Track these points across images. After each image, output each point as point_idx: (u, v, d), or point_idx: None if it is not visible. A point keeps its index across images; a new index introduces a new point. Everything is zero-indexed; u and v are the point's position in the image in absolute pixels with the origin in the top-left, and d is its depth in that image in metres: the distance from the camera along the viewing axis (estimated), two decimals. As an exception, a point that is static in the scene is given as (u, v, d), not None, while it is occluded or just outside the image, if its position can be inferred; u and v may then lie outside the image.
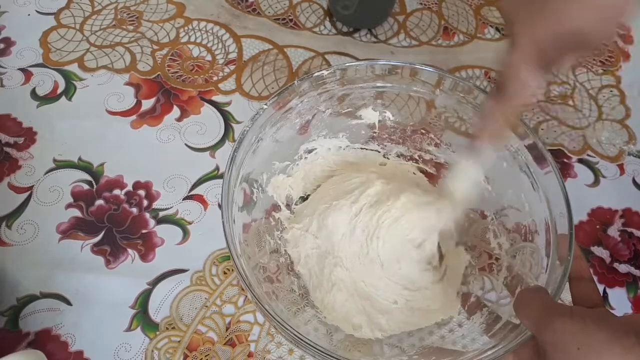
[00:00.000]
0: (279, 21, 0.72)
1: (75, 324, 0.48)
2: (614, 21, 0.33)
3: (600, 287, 0.51)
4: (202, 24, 0.70)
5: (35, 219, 0.53)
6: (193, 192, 0.55)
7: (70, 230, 0.53)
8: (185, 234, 0.53)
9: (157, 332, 0.47)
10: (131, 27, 0.69)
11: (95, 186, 0.55)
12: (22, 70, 0.64)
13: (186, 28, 0.70)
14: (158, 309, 0.49)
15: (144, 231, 0.53)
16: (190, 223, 0.54)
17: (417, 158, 0.55)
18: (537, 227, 0.45)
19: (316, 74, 0.48)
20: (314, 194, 0.53)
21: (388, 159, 0.56)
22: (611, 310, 0.49)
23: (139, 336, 0.47)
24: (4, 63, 0.65)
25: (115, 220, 0.53)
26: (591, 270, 0.52)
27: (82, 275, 0.50)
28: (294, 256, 0.50)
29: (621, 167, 0.60)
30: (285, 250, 0.50)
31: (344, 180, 0.52)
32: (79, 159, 0.57)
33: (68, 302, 0.49)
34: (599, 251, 0.54)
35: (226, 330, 0.48)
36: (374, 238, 0.47)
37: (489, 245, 0.50)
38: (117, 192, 0.55)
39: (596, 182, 0.58)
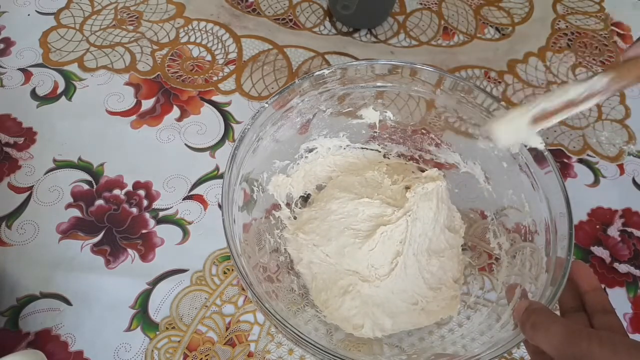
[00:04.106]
0: (278, 21, 0.72)
1: (75, 324, 0.48)
2: None
3: (600, 287, 0.52)
4: (202, 24, 0.70)
5: (35, 219, 0.53)
6: (193, 192, 0.55)
7: (70, 230, 0.52)
8: (185, 233, 0.53)
9: (157, 332, 0.47)
10: (131, 27, 0.69)
11: (95, 186, 0.55)
12: (22, 70, 0.64)
13: (186, 28, 0.70)
14: (158, 309, 0.49)
15: (144, 231, 0.53)
16: (190, 223, 0.54)
17: (418, 158, 0.55)
18: (537, 227, 0.45)
19: (317, 73, 0.48)
20: (321, 210, 0.51)
21: (389, 158, 0.56)
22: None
23: (139, 336, 0.47)
24: (3, 63, 0.65)
25: (115, 220, 0.53)
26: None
27: (82, 275, 0.50)
28: (294, 256, 0.50)
29: (621, 167, 0.60)
30: (285, 249, 0.50)
31: (351, 206, 0.50)
32: (79, 159, 0.57)
33: (68, 302, 0.49)
34: (599, 251, 0.54)
35: (226, 330, 0.48)
36: (406, 244, 0.47)
37: (489, 245, 0.50)
38: (117, 192, 0.55)
39: (596, 182, 0.58)
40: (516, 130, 0.40)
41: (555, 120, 0.39)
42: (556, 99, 0.38)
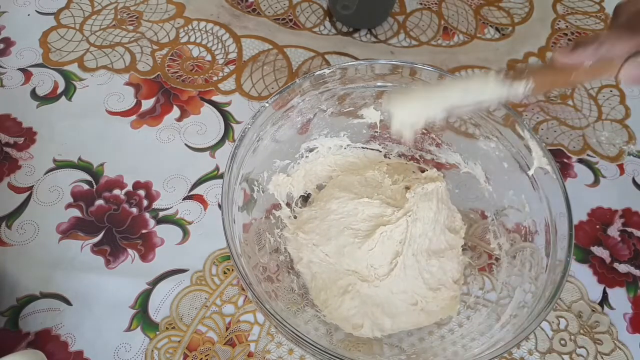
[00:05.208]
0: (278, 21, 0.72)
1: (75, 324, 0.48)
2: None
3: (600, 287, 0.51)
4: (202, 24, 0.70)
5: (35, 219, 0.53)
6: (193, 192, 0.55)
7: (70, 230, 0.52)
8: (185, 234, 0.53)
9: (157, 332, 0.47)
10: (131, 27, 0.69)
11: (95, 186, 0.55)
12: (22, 70, 0.64)
13: (186, 28, 0.70)
14: (158, 309, 0.49)
15: (143, 231, 0.53)
16: (190, 223, 0.54)
17: (418, 158, 0.55)
18: (537, 227, 0.45)
19: (317, 73, 0.48)
20: (320, 210, 0.51)
21: (389, 158, 0.56)
22: (610, 311, 0.50)
23: (139, 336, 0.47)
24: (3, 63, 0.65)
25: (115, 220, 0.53)
26: (591, 271, 0.52)
27: (82, 275, 0.50)
28: (294, 255, 0.50)
29: (621, 167, 0.60)
30: (285, 249, 0.50)
31: (351, 206, 0.50)
32: (79, 159, 0.57)
33: (68, 302, 0.49)
34: (599, 251, 0.54)
35: (226, 330, 0.48)
36: (406, 244, 0.47)
37: (489, 246, 0.50)
38: (117, 192, 0.55)
39: (596, 182, 0.58)
40: (417, 115, 0.39)
41: (455, 113, 0.39)
42: (470, 98, 0.37)
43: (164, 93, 0.63)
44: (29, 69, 0.64)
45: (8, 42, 0.67)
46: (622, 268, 0.53)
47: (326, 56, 0.68)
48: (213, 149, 0.59)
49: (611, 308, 0.50)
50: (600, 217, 0.56)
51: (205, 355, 0.46)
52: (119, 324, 0.48)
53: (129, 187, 0.56)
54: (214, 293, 0.50)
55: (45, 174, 0.56)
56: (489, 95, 0.36)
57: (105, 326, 0.48)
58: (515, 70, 0.36)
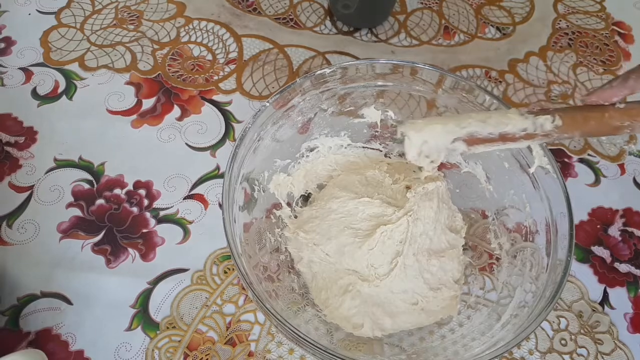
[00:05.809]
0: (279, 20, 0.72)
1: (75, 323, 0.48)
2: None
3: (601, 287, 0.51)
4: (203, 23, 0.70)
5: (35, 219, 0.53)
6: (193, 192, 0.55)
7: (71, 229, 0.53)
8: (186, 233, 0.53)
9: (158, 332, 0.47)
10: (132, 27, 0.69)
11: (95, 185, 0.55)
12: (23, 69, 0.64)
13: (187, 27, 0.70)
14: (158, 309, 0.49)
15: (144, 230, 0.53)
16: (190, 222, 0.54)
17: (418, 157, 0.55)
18: (538, 227, 0.45)
19: (318, 72, 0.48)
20: (321, 209, 0.51)
21: (390, 157, 0.56)
22: (611, 310, 0.50)
23: (139, 336, 0.47)
24: (4, 62, 0.65)
25: (115, 219, 0.53)
26: (591, 270, 0.52)
27: (83, 274, 0.50)
28: (294, 255, 0.50)
29: (622, 167, 0.60)
30: (285, 248, 0.50)
31: (352, 205, 0.50)
32: (80, 158, 0.57)
33: (68, 302, 0.49)
34: (600, 251, 0.54)
35: (226, 330, 0.48)
36: (406, 244, 0.46)
37: (490, 246, 0.50)
38: (117, 191, 0.55)
39: (597, 182, 0.58)
40: (434, 146, 0.36)
41: (480, 149, 0.36)
42: (491, 127, 0.35)
43: (164, 92, 0.63)
44: (29, 68, 0.64)
45: (9, 42, 0.67)
46: (623, 268, 0.53)
47: (327, 55, 0.68)
48: (214, 148, 0.59)
49: (612, 308, 0.50)
50: (601, 216, 0.56)
51: (206, 355, 0.46)
52: (119, 324, 0.48)
53: (130, 187, 0.56)
54: (215, 292, 0.50)
55: (46, 173, 0.56)
56: (511, 127, 0.36)
57: (106, 326, 0.48)
58: (541, 107, 0.36)
